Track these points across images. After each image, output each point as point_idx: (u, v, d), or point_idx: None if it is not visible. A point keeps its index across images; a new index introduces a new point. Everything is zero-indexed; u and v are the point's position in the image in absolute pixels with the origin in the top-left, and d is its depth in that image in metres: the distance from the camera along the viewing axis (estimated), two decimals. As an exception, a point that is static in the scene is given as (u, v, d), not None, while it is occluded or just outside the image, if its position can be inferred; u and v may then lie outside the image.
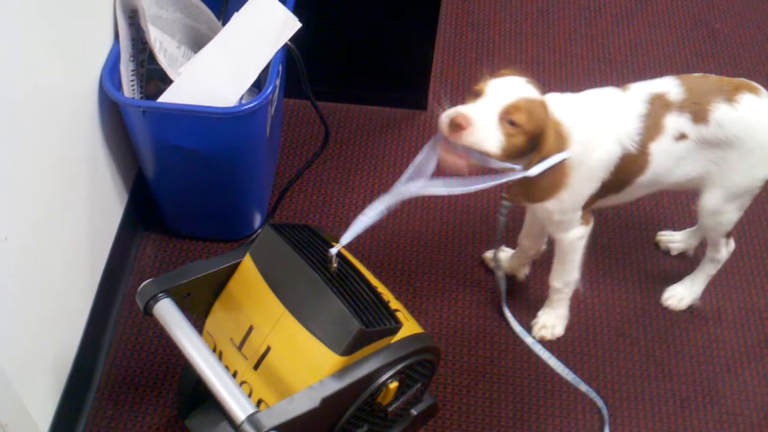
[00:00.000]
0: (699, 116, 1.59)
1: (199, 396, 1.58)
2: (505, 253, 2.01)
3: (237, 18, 1.80)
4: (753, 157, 1.64)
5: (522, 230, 1.93)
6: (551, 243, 1.86)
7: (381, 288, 1.53)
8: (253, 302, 1.41)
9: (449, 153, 1.47)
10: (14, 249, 1.39)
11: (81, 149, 1.68)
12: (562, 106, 1.55)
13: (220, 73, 1.77)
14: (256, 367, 1.39)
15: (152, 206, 2.02)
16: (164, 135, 1.75)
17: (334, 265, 1.38)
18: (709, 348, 1.95)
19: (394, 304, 1.51)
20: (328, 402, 1.30)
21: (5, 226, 1.35)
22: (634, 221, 2.16)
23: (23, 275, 1.45)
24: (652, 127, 1.59)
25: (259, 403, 1.38)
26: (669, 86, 1.62)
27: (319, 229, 1.51)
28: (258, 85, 1.86)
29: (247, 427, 1.24)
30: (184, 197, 1.96)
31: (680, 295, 1.99)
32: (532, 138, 1.49)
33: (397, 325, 1.38)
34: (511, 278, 2.02)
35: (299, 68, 1.88)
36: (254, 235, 2.05)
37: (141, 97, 1.84)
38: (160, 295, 1.38)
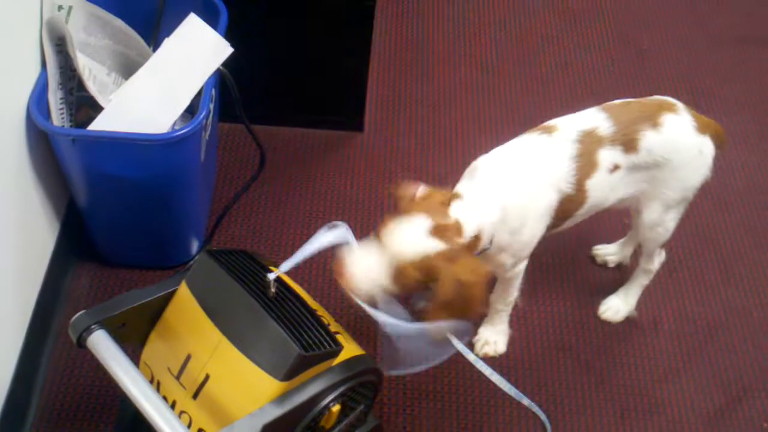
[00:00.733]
0: (629, 146, 1.63)
1: (138, 428, 1.54)
2: None
3: (168, 43, 1.79)
4: (681, 172, 1.70)
5: None
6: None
7: (321, 311, 1.52)
8: (190, 330, 1.39)
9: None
10: (-61, 284, 1.35)
11: (8, 180, 1.64)
12: (490, 203, 1.53)
13: (152, 99, 1.75)
14: (195, 396, 1.36)
15: (85, 236, 1.98)
16: (95, 163, 1.73)
17: (273, 290, 1.37)
18: (647, 358, 1.98)
19: (334, 326, 1.51)
20: (270, 429, 1.29)
21: (-71, 261, 1.31)
22: (568, 237, 2.19)
23: (-50, 311, 1.41)
24: (586, 165, 1.61)
25: (199, 432, 1.35)
26: (597, 120, 1.64)
27: (256, 254, 1.50)
28: (191, 111, 1.85)
29: (186, 457, 1.21)
30: (118, 226, 1.93)
31: (616, 307, 2.03)
32: (429, 280, 1.47)
33: (337, 348, 1.38)
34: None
35: (232, 93, 1.87)
36: (191, 262, 2.02)
37: (71, 126, 1.81)
38: (93, 326, 1.35)
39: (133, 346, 1.45)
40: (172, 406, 1.38)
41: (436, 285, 1.46)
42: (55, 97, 1.74)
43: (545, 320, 2.04)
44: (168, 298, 1.43)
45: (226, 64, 1.81)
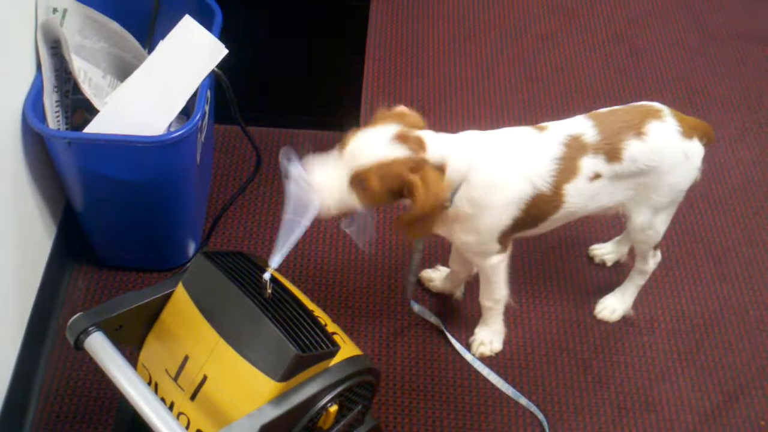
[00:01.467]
0: (613, 155, 1.63)
1: (136, 430, 1.55)
2: (440, 273, 2.03)
3: (163, 46, 1.79)
4: (668, 177, 1.69)
5: (450, 256, 1.96)
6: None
7: (317, 311, 1.52)
8: (187, 332, 1.39)
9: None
10: (-64, 288, 1.35)
11: (5, 183, 1.64)
12: (462, 150, 1.55)
13: (147, 101, 1.75)
14: (192, 397, 1.36)
15: (82, 238, 1.98)
16: (91, 166, 1.73)
17: (269, 290, 1.37)
18: (644, 356, 1.99)
19: (331, 327, 1.51)
20: (267, 429, 1.29)
21: (-74, 264, 1.32)
22: (565, 237, 2.20)
23: (-53, 315, 1.41)
24: (567, 169, 1.61)
25: (197, 433, 1.35)
26: (584, 127, 1.64)
27: (252, 255, 1.50)
28: (187, 113, 1.85)
29: (184, 459, 1.22)
30: (115, 228, 1.93)
31: (612, 306, 2.03)
32: (394, 190, 1.48)
33: (335, 348, 1.38)
34: (448, 297, 2.03)
35: (228, 94, 1.87)
36: (188, 264, 2.02)
37: (67, 128, 1.81)
38: (90, 328, 1.35)
39: (130, 348, 1.45)
40: (170, 407, 1.38)
41: (412, 196, 1.45)
42: (50, 100, 1.74)
43: (542, 320, 2.04)
44: (165, 300, 1.43)
45: (221, 65, 1.82)
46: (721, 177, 2.41)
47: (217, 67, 1.81)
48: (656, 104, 1.71)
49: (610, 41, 2.83)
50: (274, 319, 1.33)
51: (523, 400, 1.87)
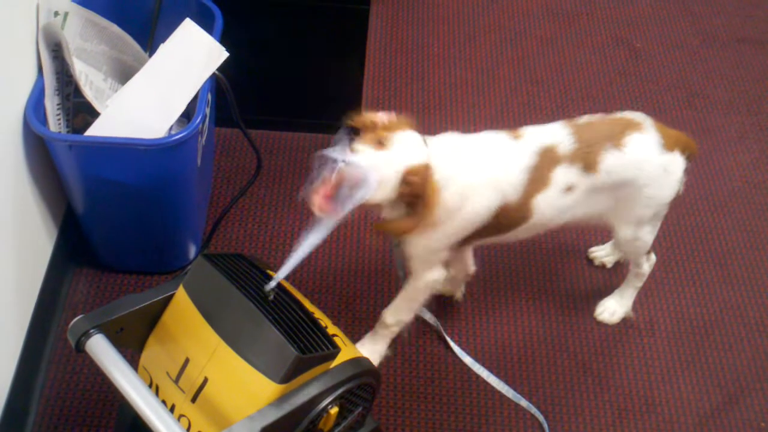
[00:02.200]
0: (589, 166, 1.61)
1: (137, 432, 1.55)
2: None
3: (163, 49, 1.80)
4: (648, 190, 1.68)
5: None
6: (478, 262, 1.88)
7: (318, 314, 1.52)
8: (188, 334, 1.39)
9: (326, 200, 1.40)
10: (-62, 291, 1.35)
11: (6, 186, 1.65)
12: (444, 155, 1.54)
13: (148, 104, 1.75)
14: (193, 399, 1.37)
15: (83, 241, 1.98)
16: (92, 169, 1.73)
17: (271, 297, 1.38)
18: (644, 358, 1.99)
19: (331, 329, 1.51)
20: (268, 431, 1.29)
21: (-73, 267, 1.32)
22: (564, 239, 2.20)
23: (-52, 317, 1.41)
24: (538, 180, 1.59)
25: (198, 436, 1.36)
26: (560, 136, 1.62)
27: (252, 257, 1.50)
28: (187, 115, 1.85)
29: (185, 461, 1.22)
30: (116, 231, 1.93)
31: (612, 308, 2.04)
32: (414, 193, 1.48)
33: (335, 350, 1.38)
34: (449, 298, 2.03)
35: (228, 97, 1.88)
36: (189, 267, 2.03)
37: (68, 131, 1.81)
38: (91, 331, 1.35)
39: (131, 351, 1.45)
40: (171, 409, 1.38)
41: (422, 199, 1.46)
42: (51, 103, 1.75)
43: (542, 321, 2.04)
44: (166, 302, 1.44)
45: (221, 68, 1.82)
46: (722, 179, 2.42)
47: (217, 70, 1.81)
48: (638, 115, 1.69)
49: (610, 44, 2.83)
50: (275, 321, 1.33)
51: (524, 402, 1.87)
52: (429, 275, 1.71)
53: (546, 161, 1.59)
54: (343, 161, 1.38)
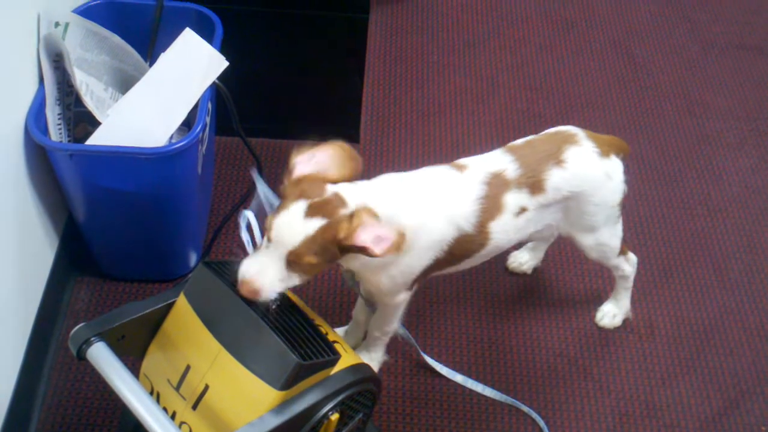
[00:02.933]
0: (536, 188, 1.62)
1: (138, 440, 1.55)
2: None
3: (164, 58, 1.81)
4: (595, 198, 1.69)
5: (356, 306, 1.90)
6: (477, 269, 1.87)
7: (318, 320, 1.53)
8: (189, 341, 1.40)
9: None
10: (-60, 299, 1.36)
11: (7, 195, 1.66)
12: (383, 195, 1.50)
13: (149, 113, 1.76)
14: (194, 406, 1.37)
15: (85, 249, 1.99)
16: (93, 178, 1.74)
17: (273, 307, 1.38)
18: (644, 363, 1.99)
19: (332, 335, 1.52)
20: (269, 438, 1.30)
21: (-70, 276, 1.32)
22: (564, 247, 2.21)
23: (-49, 326, 1.41)
24: (491, 208, 1.60)
25: (199, 443, 1.36)
26: (503, 163, 1.62)
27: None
28: (188, 124, 1.86)
29: (187, 467, 1.22)
30: (117, 239, 1.94)
31: (612, 312, 2.04)
32: (333, 253, 1.42)
33: (335, 357, 1.39)
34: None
35: (228, 106, 1.89)
36: (189, 274, 2.03)
37: (69, 141, 1.82)
38: (93, 339, 1.36)
39: (132, 358, 1.46)
40: (172, 417, 1.38)
41: (367, 252, 1.39)
42: (52, 113, 1.76)
43: (542, 327, 2.05)
44: (167, 310, 1.44)
45: (221, 77, 1.83)
46: (720, 185, 2.42)
47: (217, 79, 1.82)
48: (571, 128, 1.71)
49: (609, 52, 2.84)
50: (275, 328, 1.34)
51: (524, 407, 1.87)
52: (393, 300, 1.70)
53: (495, 188, 1.60)
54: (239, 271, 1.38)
